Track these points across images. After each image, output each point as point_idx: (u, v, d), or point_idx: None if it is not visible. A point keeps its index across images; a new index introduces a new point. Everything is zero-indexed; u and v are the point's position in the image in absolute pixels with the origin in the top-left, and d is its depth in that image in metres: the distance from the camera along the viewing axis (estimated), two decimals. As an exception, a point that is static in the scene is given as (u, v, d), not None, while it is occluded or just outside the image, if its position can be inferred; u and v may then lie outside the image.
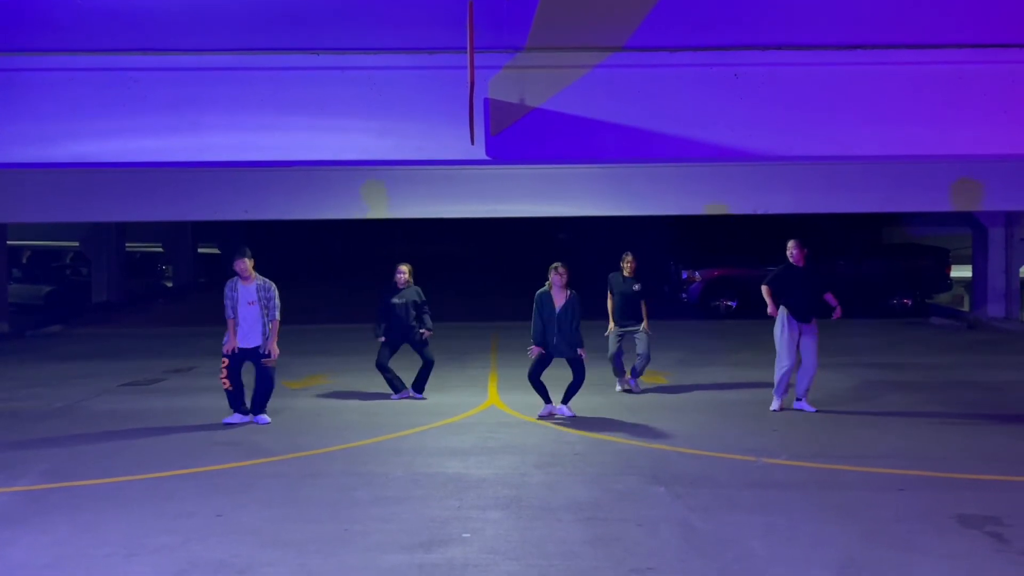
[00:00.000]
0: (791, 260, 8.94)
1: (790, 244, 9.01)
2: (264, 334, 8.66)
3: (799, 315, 8.82)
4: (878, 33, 7.31)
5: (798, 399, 8.95)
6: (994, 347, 13.64)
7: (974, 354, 12.92)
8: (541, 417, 8.77)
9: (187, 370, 11.96)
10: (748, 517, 5.84)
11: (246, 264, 8.63)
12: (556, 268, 8.78)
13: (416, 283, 9.92)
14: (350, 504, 6.18)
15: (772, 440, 7.87)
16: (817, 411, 8.83)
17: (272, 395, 8.84)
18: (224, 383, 8.64)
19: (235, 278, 8.70)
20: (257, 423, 8.66)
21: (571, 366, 8.82)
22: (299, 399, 10.00)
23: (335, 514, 5.97)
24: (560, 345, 8.74)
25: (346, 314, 17.90)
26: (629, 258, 10.00)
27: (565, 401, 8.90)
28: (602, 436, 8.07)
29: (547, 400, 8.86)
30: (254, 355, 8.70)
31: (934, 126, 7.65)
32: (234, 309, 8.62)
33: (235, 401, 8.72)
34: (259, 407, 8.75)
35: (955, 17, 7.01)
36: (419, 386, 9.90)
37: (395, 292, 9.74)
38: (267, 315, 8.70)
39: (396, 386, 9.86)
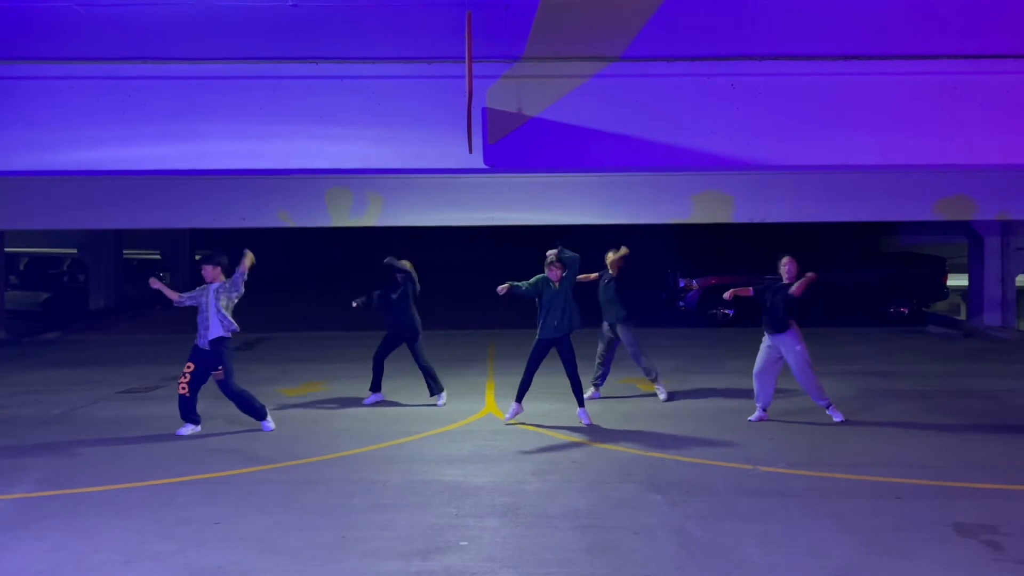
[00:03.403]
0: (781, 275, 8.92)
1: (784, 260, 8.93)
2: (214, 333, 8.39)
3: (768, 326, 8.84)
4: (874, 44, 7.37)
5: (827, 409, 8.96)
6: (990, 356, 13.67)
7: (970, 363, 12.95)
8: (509, 421, 8.83)
9: (184, 377, 11.95)
10: (745, 525, 5.85)
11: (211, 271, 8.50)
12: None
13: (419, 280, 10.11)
14: (347, 511, 6.19)
15: (769, 448, 7.89)
16: (845, 420, 8.80)
17: (256, 399, 8.69)
18: (182, 389, 8.42)
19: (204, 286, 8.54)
20: (263, 430, 8.63)
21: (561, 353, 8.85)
22: (296, 406, 10.00)
23: (332, 521, 5.97)
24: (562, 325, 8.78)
25: (343, 321, 17.90)
26: (610, 254, 10.12)
27: (582, 404, 8.96)
28: (599, 444, 8.08)
29: (519, 400, 8.90)
30: (207, 361, 8.43)
31: (930, 136, 7.70)
32: (192, 299, 8.45)
33: (187, 410, 8.53)
34: (255, 416, 8.68)
35: (950, 29, 7.06)
36: (435, 389, 9.96)
37: (395, 288, 9.88)
38: (227, 298, 8.45)
39: (375, 385, 9.97)
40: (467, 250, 35.68)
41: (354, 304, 10.02)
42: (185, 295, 8.58)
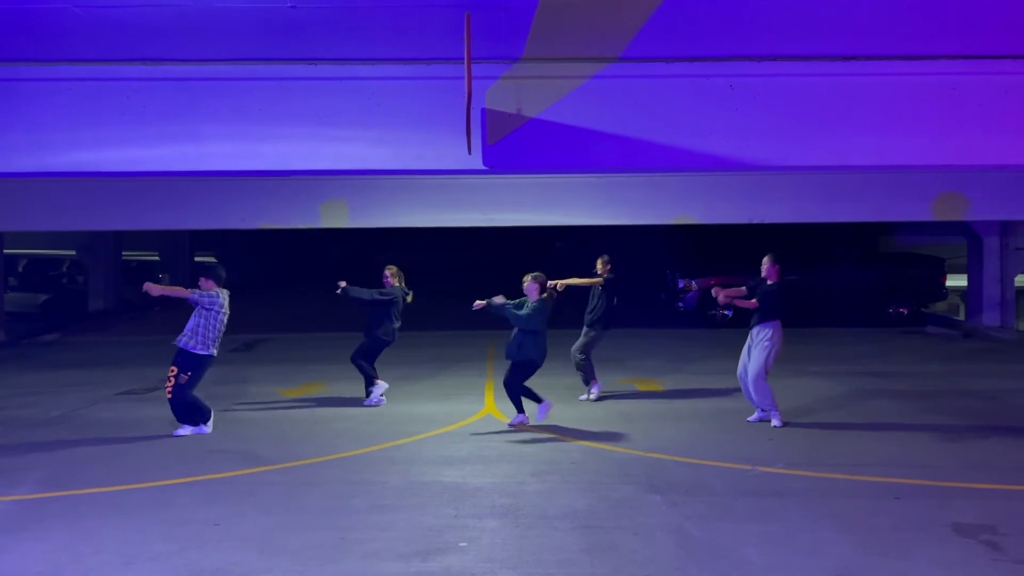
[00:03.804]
0: (763, 275, 8.96)
1: (765, 261, 8.97)
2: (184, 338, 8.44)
3: (753, 321, 8.95)
4: (873, 45, 7.38)
5: (769, 413, 8.96)
6: (989, 356, 13.69)
7: (969, 363, 12.96)
8: (512, 426, 8.79)
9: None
10: (744, 525, 5.86)
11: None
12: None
13: (410, 288, 10.15)
14: (347, 512, 6.19)
15: (767, 449, 7.89)
16: (758, 421, 8.81)
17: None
18: (169, 392, 8.40)
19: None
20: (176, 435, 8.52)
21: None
22: (295, 407, 10.01)
23: (332, 522, 5.98)
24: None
25: (341, 322, 17.90)
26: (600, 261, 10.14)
27: (540, 401, 8.88)
28: (598, 445, 8.09)
29: (520, 409, 8.84)
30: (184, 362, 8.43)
31: (929, 136, 7.71)
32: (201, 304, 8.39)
33: (184, 412, 8.53)
34: (201, 420, 8.59)
35: (949, 29, 7.07)
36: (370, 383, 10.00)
37: (383, 293, 9.92)
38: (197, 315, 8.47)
39: (371, 388, 9.98)
40: (466, 251, 35.70)
41: (340, 285, 9.94)
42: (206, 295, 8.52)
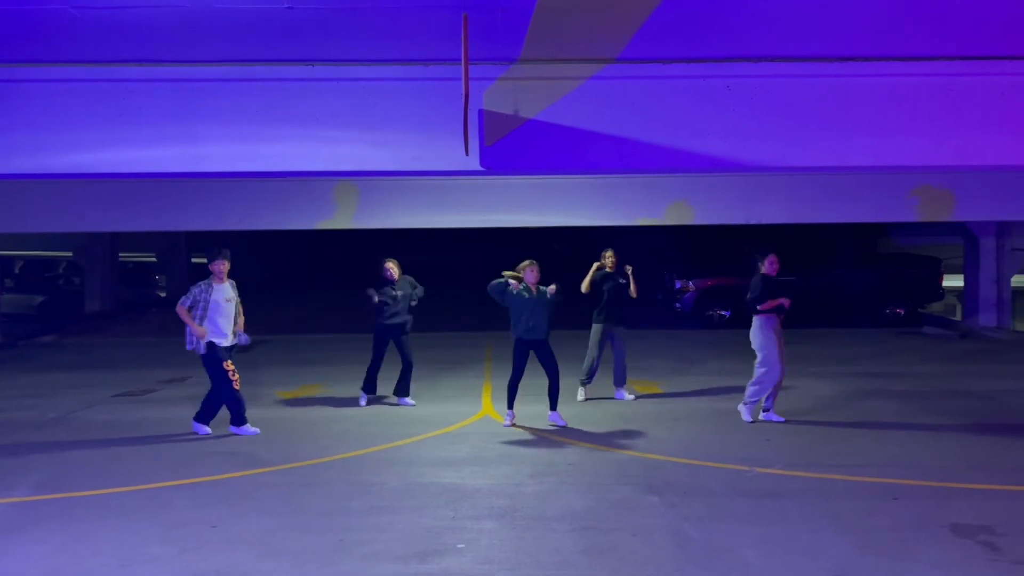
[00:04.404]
0: (767, 272, 8.89)
1: (770, 259, 8.92)
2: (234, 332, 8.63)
3: (781, 319, 8.94)
4: (870, 46, 7.39)
5: (765, 410, 8.98)
6: (986, 356, 13.70)
7: (967, 363, 12.97)
8: (506, 427, 8.80)
9: (181, 380, 11.94)
10: (742, 526, 5.86)
11: (224, 266, 8.55)
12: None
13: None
14: (345, 514, 6.19)
15: (766, 449, 7.90)
16: (786, 421, 8.87)
17: (248, 406, 8.74)
18: (237, 384, 8.47)
19: (209, 280, 8.49)
20: (244, 434, 8.61)
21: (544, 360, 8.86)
22: (293, 409, 10.00)
23: (330, 524, 5.97)
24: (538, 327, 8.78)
25: (340, 323, 17.91)
26: (610, 253, 10.10)
27: (554, 407, 8.92)
28: (596, 446, 8.09)
29: (510, 407, 8.88)
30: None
31: (926, 137, 7.73)
32: (205, 308, 8.38)
33: (241, 406, 8.58)
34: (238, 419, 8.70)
35: (946, 30, 7.08)
36: (404, 389, 9.97)
37: (390, 285, 9.89)
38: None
39: (371, 387, 10.04)
40: (465, 252, 35.67)
41: (373, 297, 9.93)
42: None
